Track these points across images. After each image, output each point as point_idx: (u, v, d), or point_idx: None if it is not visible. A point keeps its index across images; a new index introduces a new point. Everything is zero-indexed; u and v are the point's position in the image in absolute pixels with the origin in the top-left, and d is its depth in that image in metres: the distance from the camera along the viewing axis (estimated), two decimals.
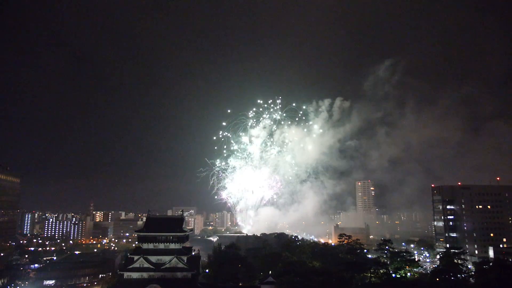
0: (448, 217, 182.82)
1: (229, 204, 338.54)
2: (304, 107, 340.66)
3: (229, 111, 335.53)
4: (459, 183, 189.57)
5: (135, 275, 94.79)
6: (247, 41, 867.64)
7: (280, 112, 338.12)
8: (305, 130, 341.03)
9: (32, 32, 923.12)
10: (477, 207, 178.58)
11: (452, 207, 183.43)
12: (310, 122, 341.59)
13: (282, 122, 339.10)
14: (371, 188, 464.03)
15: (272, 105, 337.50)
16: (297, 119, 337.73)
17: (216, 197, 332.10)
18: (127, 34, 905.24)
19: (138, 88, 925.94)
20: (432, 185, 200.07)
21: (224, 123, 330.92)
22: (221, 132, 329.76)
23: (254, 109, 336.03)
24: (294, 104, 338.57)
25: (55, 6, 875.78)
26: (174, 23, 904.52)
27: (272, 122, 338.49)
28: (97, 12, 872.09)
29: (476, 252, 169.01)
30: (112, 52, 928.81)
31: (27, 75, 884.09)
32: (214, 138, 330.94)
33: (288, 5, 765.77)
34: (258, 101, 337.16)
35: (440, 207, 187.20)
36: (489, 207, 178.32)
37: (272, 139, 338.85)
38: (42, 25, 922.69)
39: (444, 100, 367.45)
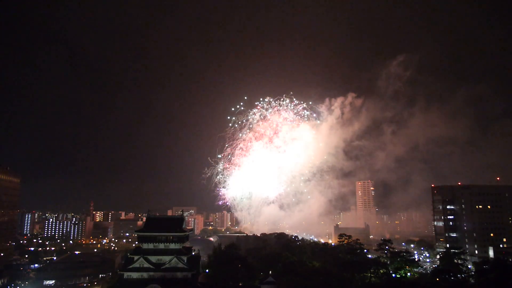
0: (448, 217, 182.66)
1: (229, 204, 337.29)
2: (310, 102, 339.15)
3: (238, 106, 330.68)
4: (459, 183, 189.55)
5: (135, 275, 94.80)
6: (254, 38, 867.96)
7: (289, 109, 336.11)
8: (313, 128, 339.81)
9: (31, 31, 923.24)
10: (477, 207, 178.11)
11: (452, 207, 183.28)
12: (318, 121, 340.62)
13: (290, 120, 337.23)
14: (371, 188, 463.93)
15: (279, 103, 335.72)
16: (300, 116, 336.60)
17: (217, 197, 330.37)
18: (127, 32, 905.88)
19: (139, 88, 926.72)
20: (432, 185, 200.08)
21: (230, 120, 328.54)
22: (226, 130, 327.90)
23: (260, 106, 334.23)
24: (301, 101, 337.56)
25: (54, 4, 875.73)
26: (176, 20, 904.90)
27: (279, 120, 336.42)
28: (96, 10, 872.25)
29: (476, 252, 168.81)
30: (113, 51, 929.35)
31: (26, 75, 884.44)
32: (228, 131, 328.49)
33: (299, 1, 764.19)
34: (267, 98, 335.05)
35: (440, 207, 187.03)
36: (489, 207, 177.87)
37: (277, 137, 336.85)
38: (41, 24, 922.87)
39: (454, 98, 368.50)
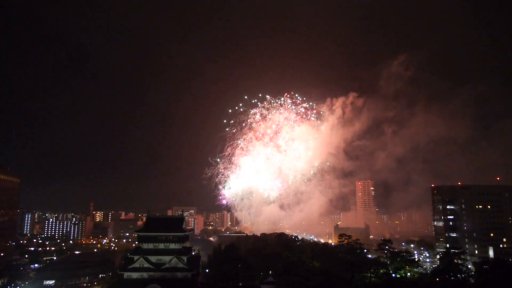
0: (448, 217, 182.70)
1: (229, 204, 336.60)
2: (314, 104, 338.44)
3: (237, 107, 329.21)
4: (459, 183, 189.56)
5: (135, 275, 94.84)
6: (255, 38, 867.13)
7: (290, 109, 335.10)
8: (314, 128, 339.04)
9: (31, 31, 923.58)
10: (477, 207, 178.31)
11: (452, 207, 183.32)
12: (319, 122, 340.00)
13: (291, 120, 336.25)
14: (371, 188, 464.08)
15: (280, 103, 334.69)
16: (304, 116, 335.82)
17: (217, 197, 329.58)
18: (127, 30, 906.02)
19: (139, 87, 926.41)
20: (432, 185, 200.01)
21: (227, 121, 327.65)
22: (226, 130, 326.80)
23: (261, 106, 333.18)
24: (304, 98, 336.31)
25: (51, 2, 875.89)
26: (176, 18, 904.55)
27: (280, 120, 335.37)
28: (95, 8, 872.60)
29: (476, 252, 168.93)
30: (112, 50, 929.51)
31: (26, 75, 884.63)
32: (227, 133, 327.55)
33: (300, 0, 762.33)
34: (267, 98, 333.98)
35: (440, 207, 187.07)
36: (489, 207, 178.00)
37: (278, 137, 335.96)
38: (40, 23, 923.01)
39: (455, 98, 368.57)
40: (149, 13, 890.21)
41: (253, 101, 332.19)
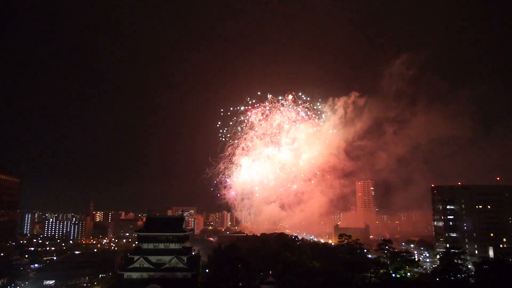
0: (448, 217, 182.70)
1: (230, 204, 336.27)
2: (318, 104, 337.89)
3: (238, 107, 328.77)
4: (459, 183, 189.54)
5: (135, 275, 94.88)
6: (257, 37, 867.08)
7: (291, 108, 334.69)
8: (316, 128, 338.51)
9: (31, 31, 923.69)
10: (477, 207, 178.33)
11: (452, 207, 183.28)
12: (320, 121, 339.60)
13: (292, 120, 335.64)
14: (371, 188, 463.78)
15: (282, 102, 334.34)
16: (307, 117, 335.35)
17: (217, 197, 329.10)
18: (127, 31, 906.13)
19: (138, 88, 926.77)
20: (432, 185, 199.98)
21: (228, 121, 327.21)
22: (227, 129, 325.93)
23: (262, 105, 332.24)
24: (308, 98, 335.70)
25: (50, 2, 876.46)
26: (176, 17, 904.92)
27: (281, 119, 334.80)
28: (94, 7, 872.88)
29: (476, 252, 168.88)
30: (112, 50, 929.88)
31: (26, 75, 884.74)
32: (220, 136, 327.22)
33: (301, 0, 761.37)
34: (269, 98, 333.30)
35: (440, 207, 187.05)
36: (489, 207, 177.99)
37: (279, 137, 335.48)
38: (39, 23, 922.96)
39: (457, 98, 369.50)
40: (156, 19, 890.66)
41: (251, 101, 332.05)
